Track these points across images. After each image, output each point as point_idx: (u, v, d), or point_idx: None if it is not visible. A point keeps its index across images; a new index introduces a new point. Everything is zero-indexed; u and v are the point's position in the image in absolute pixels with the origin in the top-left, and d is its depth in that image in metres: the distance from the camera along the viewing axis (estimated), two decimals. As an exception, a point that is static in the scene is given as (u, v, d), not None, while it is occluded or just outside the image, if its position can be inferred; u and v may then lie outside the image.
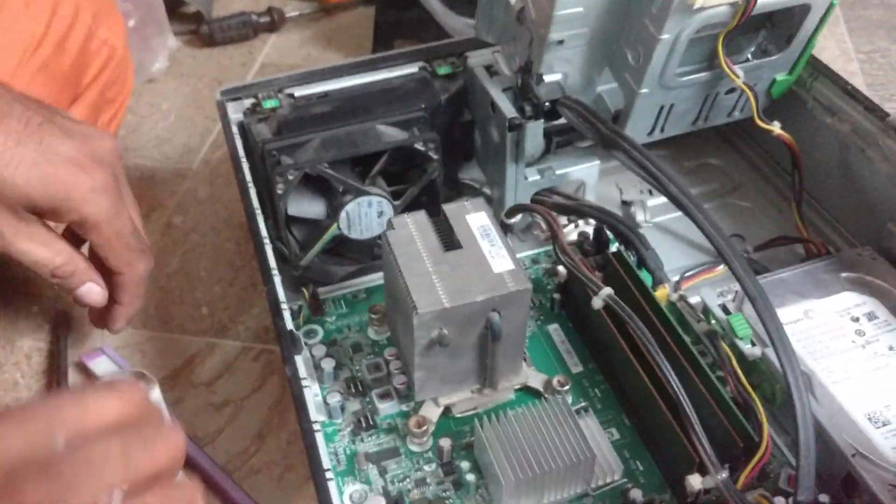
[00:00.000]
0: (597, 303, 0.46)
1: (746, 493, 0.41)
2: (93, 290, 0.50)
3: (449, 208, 0.48)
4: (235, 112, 0.58)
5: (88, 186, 0.45)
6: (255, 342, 0.58)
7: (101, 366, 0.55)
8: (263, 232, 0.48)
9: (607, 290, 0.46)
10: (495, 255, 0.46)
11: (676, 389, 0.43)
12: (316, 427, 0.39)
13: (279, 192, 0.53)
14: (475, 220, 0.48)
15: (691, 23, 0.50)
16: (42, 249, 0.47)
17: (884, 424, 0.45)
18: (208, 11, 0.93)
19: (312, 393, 0.50)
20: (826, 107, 0.59)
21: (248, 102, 0.58)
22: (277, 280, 0.46)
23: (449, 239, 0.47)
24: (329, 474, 0.38)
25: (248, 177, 0.52)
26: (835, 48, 0.89)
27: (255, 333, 0.59)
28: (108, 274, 0.50)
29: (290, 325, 0.44)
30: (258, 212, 0.49)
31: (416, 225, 0.47)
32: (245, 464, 0.51)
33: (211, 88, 0.83)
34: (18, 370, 0.56)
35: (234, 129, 0.56)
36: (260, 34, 0.94)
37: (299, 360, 0.42)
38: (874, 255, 0.54)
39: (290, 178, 0.52)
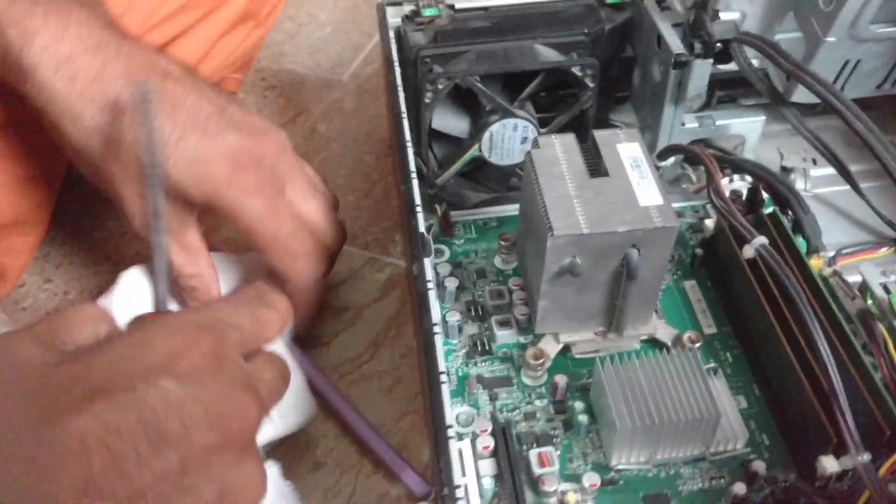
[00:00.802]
0: (748, 251, 0.43)
1: (889, 484, 0.38)
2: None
3: (600, 134, 0.46)
4: (394, 17, 0.57)
5: (240, 187, 0.44)
6: (382, 254, 0.57)
7: None
8: (407, 135, 0.47)
9: (762, 239, 0.42)
10: (644, 187, 0.43)
11: (827, 359, 0.39)
12: (436, 329, 0.38)
13: (427, 100, 0.51)
14: (627, 149, 0.45)
15: (901, -37, 0.45)
16: (182, 258, 0.46)
17: None
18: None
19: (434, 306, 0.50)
20: None
21: (407, 9, 0.56)
22: (415, 182, 0.45)
23: (596, 165, 0.44)
24: (444, 377, 0.36)
25: (399, 81, 0.51)
26: None
27: (384, 246, 0.58)
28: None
29: (422, 226, 0.43)
30: (405, 116, 0.48)
31: (563, 147, 0.45)
32: (357, 369, 0.51)
33: (369, 5, 0.83)
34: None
35: (391, 35, 0.55)
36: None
37: (427, 262, 0.41)
38: None
39: (440, 87, 0.51)
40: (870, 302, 0.46)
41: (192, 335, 0.33)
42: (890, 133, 0.63)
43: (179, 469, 0.29)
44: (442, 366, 0.37)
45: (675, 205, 0.57)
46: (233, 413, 0.32)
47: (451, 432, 0.35)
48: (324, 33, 0.80)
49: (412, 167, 0.45)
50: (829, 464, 0.39)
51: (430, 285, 0.40)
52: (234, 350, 0.34)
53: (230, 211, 0.44)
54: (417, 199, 0.44)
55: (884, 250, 0.53)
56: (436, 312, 0.39)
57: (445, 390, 0.36)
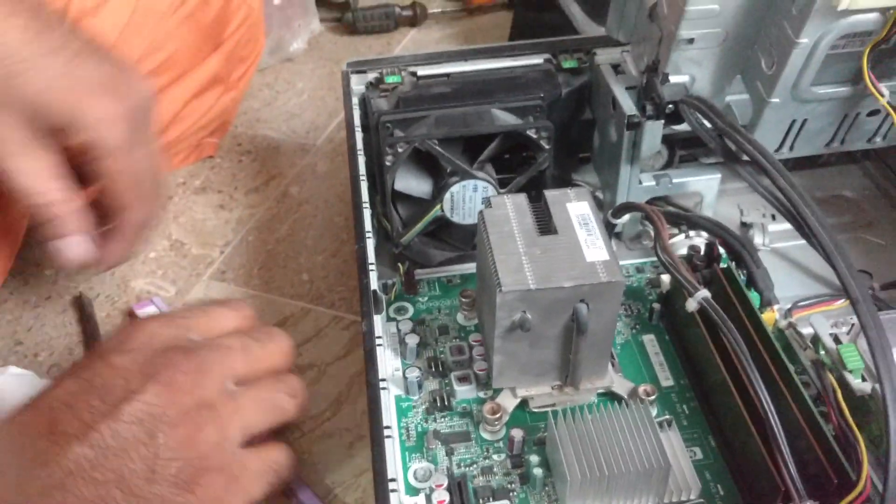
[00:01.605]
0: (691, 304, 0.44)
1: (832, 532, 0.38)
2: (79, 245, 0.47)
3: (550, 194, 0.47)
4: (358, 84, 0.59)
5: (107, 111, 0.44)
6: (348, 313, 0.58)
7: (150, 313, 0.57)
8: (364, 196, 0.49)
9: (704, 293, 0.44)
10: (591, 244, 0.44)
11: (766, 407, 0.40)
12: (382, 385, 0.39)
13: (388, 163, 0.53)
14: (576, 208, 0.46)
15: (834, 28, 0.47)
16: (38, 177, 0.44)
17: None
18: (355, 0, 0.95)
19: (393, 367, 0.50)
20: (981, 140, 0.54)
21: (371, 76, 0.59)
22: (369, 242, 0.46)
23: (545, 223, 0.46)
24: (388, 431, 0.37)
25: (360, 145, 0.53)
26: None
27: (350, 305, 0.59)
28: (107, 217, 0.48)
29: (374, 284, 0.44)
30: (363, 178, 0.50)
31: (514, 206, 0.47)
32: (319, 426, 0.51)
33: (345, 73, 0.86)
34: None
35: (355, 101, 0.57)
36: (401, 27, 0.96)
37: (377, 319, 0.42)
38: None
39: (400, 150, 0.53)
40: (822, 353, 0.47)
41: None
42: (845, 188, 0.66)
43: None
44: (386, 420, 0.38)
45: (635, 261, 0.59)
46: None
47: (392, 486, 0.35)
48: (300, 100, 0.82)
49: (367, 227, 0.47)
50: (778, 513, 0.39)
51: (378, 341, 0.41)
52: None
53: (90, 133, 0.44)
54: (371, 258, 0.45)
55: (839, 303, 0.54)
56: (383, 368, 0.40)
57: (389, 445, 0.37)
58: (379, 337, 0.41)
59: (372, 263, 0.45)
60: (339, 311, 0.58)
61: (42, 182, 0.44)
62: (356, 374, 0.54)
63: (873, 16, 0.47)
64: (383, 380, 0.39)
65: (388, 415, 0.39)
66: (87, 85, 0.43)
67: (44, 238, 0.46)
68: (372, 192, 0.56)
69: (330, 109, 0.80)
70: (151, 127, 0.48)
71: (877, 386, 0.43)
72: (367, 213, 0.48)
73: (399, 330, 0.52)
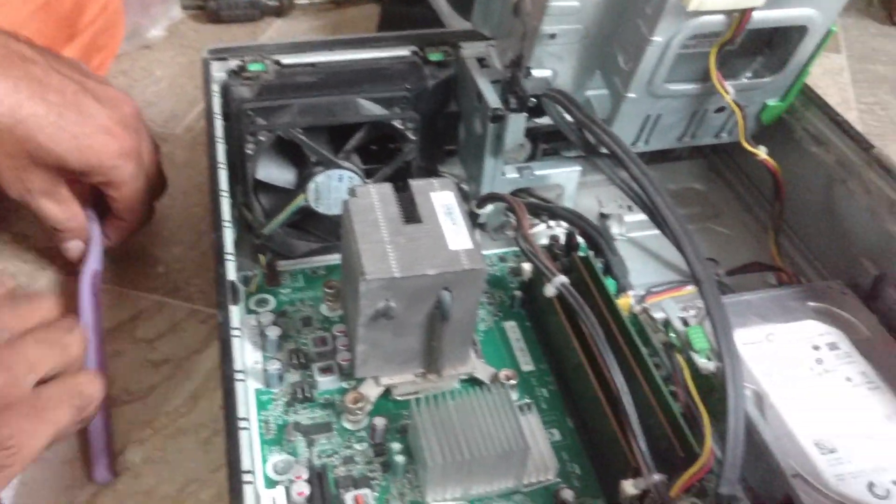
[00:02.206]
0: (549, 290, 0.45)
1: (678, 501, 0.40)
2: (77, 248, 0.55)
3: (415, 183, 0.47)
4: (219, 72, 0.57)
5: (117, 153, 0.51)
6: (206, 306, 0.57)
7: None
8: (223, 185, 0.47)
9: (562, 279, 0.45)
10: (455, 233, 0.44)
11: (618, 386, 0.41)
12: (239, 377, 0.38)
13: (249, 152, 0.52)
14: (440, 197, 0.47)
15: (684, 28, 0.49)
16: (60, 212, 0.53)
17: (830, 452, 0.43)
18: (218, -13, 0.92)
19: (253, 360, 0.49)
20: (814, 136, 0.58)
21: (233, 64, 0.57)
22: (228, 231, 0.45)
23: (410, 212, 0.46)
24: (244, 423, 0.36)
25: (220, 132, 0.51)
26: (836, 96, 0.88)
27: (208, 297, 0.57)
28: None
29: (231, 274, 0.43)
30: (222, 165, 0.48)
31: (379, 195, 0.46)
32: (174, 422, 0.49)
33: (207, 61, 0.83)
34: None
35: (215, 88, 0.55)
36: (266, 17, 0.94)
37: (234, 310, 0.41)
38: (844, 289, 0.53)
39: (262, 139, 0.52)
40: (672, 336, 0.50)
41: None
42: (695, 181, 0.69)
43: None
44: (242, 412, 0.37)
45: (498, 250, 0.60)
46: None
47: (247, 478, 0.34)
48: (158, 88, 0.79)
49: (225, 216, 0.45)
50: (629, 487, 0.41)
51: (235, 332, 0.40)
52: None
53: (105, 175, 0.52)
54: (229, 248, 0.44)
55: (688, 288, 0.57)
56: (240, 359, 0.39)
57: (245, 437, 0.36)
58: (236, 328, 0.40)
59: (230, 253, 0.44)
60: (197, 304, 0.57)
61: (62, 215, 0.53)
62: (214, 369, 0.52)
63: (720, 17, 0.50)
64: (240, 371, 0.38)
65: (245, 407, 0.38)
66: (97, 139, 0.50)
67: (57, 243, 0.56)
68: (233, 183, 0.54)
69: (190, 98, 0.77)
70: (144, 132, 0.56)
71: (720, 364, 0.46)
72: (225, 202, 0.46)
73: (259, 322, 0.51)
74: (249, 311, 0.52)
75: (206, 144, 0.56)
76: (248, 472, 0.35)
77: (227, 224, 0.45)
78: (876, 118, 0.85)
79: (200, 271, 0.59)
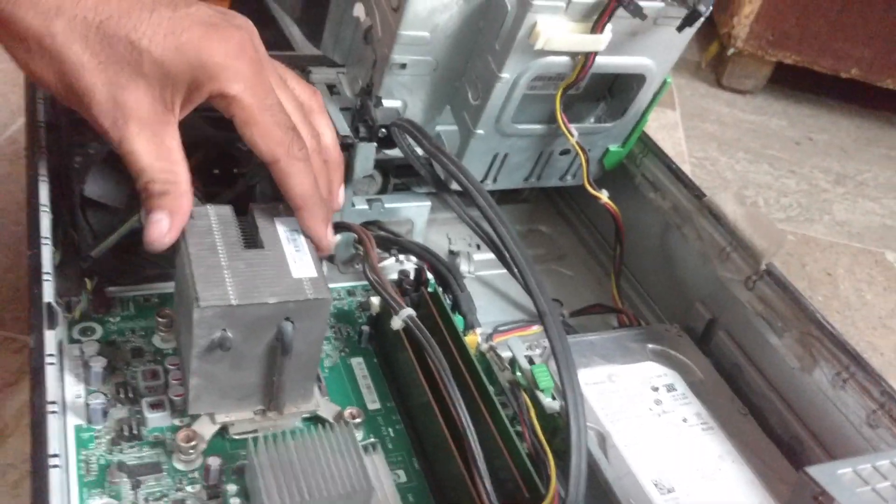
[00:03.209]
0: (396, 322, 0.44)
1: (523, 543, 0.39)
2: (161, 224, 0.42)
3: (258, 207, 0.45)
4: (47, 79, 0.52)
5: (224, 51, 0.41)
6: (22, 334, 0.51)
7: None
8: (43, 199, 0.43)
9: (409, 311, 0.44)
10: (298, 260, 0.42)
11: (466, 427, 0.40)
12: (52, 409, 0.34)
13: (76, 165, 0.48)
14: (285, 223, 0.45)
15: (532, 66, 0.50)
16: (151, 153, 0.41)
17: (668, 491, 0.44)
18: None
19: (74, 393, 0.45)
20: (651, 182, 0.60)
21: (63, 72, 0.53)
22: (46, 249, 0.41)
23: (252, 237, 0.43)
24: (55, 461, 0.32)
25: (44, 142, 0.47)
26: (671, 149, 0.93)
27: (24, 325, 0.52)
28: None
29: (49, 296, 0.39)
30: (43, 178, 0.44)
31: (217, 218, 0.44)
32: (-24, 464, 0.44)
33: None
34: None
35: (41, 96, 0.51)
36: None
37: (49, 335, 0.37)
38: (680, 332, 0.55)
39: (92, 151, 0.48)
40: (518, 374, 0.49)
41: None
42: (541, 223, 0.71)
43: None
44: (53, 448, 0.33)
45: (346, 284, 0.58)
46: None
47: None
48: (-21, 95, 0.72)
49: (44, 232, 0.41)
50: (474, 530, 0.40)
51: (50, 360, 0.36)
52: None
53: (215, 80, 0.41)
54: (47, 267, 0.40)
55: (534, 328, 0.57)
56: (53, 390, 0.35)
57: (56, 476, 0.32)
58: (51, 355, 0.36)
59: (48, 273, 0.40)
60: (11, 331, 0.51)
61: (155, 163, 0.41)
62: (28, 404, 0.47)
63: (565, 59, 0.51)
64: (52, 402, 0.34)
65: (59, 442, 0.34)
66: (196, 33, 0.41)
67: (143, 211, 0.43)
68: (59, 200, 0.50)
69: (13, 108, 0.71)
70: (266, 56, 0.45)
71: (563, 403, 0.46)
72: (45, 217, 0.42)
73: (83, 352, 0.47)
74: (73, 341, 0.48)
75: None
76: (58, 519, 0.31)
77: (45, 241, 0.41)
78: (706, 172, 0.90)
79: (18, 296, 0.54)
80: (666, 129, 0.97)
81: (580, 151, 0.57)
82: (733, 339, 0.54)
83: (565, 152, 0.59)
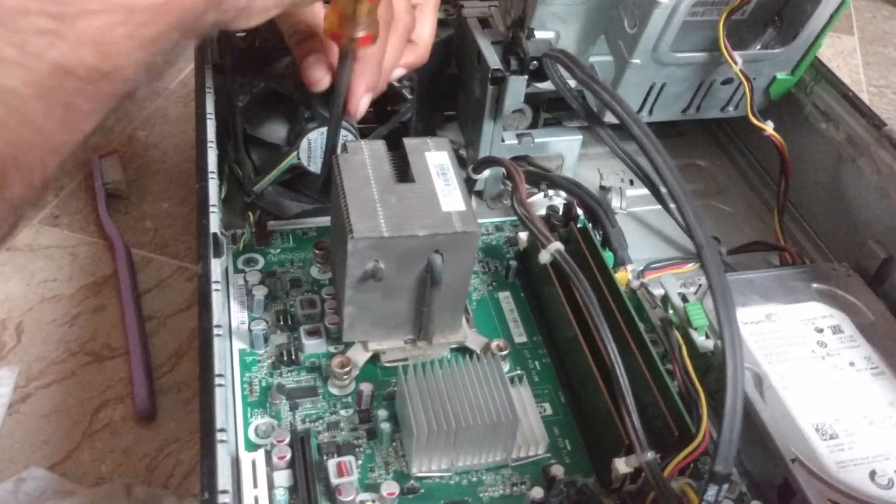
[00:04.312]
0: (544, 256, 0.43)
1: (672, 481, 0.38)
2: (320, 67, 0.45)
3: (410, 142, 0.46)
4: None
5: None
6: (194, 263, 0.55)
7: None
8: (210, 136, 0.46)
9: (557, 245, 0.43)
10: (448, 194, 0.43)
11: (615, 362, 0.40)
12: (217, 332, 0.36)
13: (239, 103, 0.50)
14: (434, 157, 0.45)
15: (694, -11, 0.48)
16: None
17: (831, 438, 0.42)
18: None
19: (239, 319, 0.48)
20: (823, 112, 0.56)
21: (226, 14, 0.55)
22: (213, 183, 0.43)
23: (403, 171, 0.44)
24: (220, 380, 0.35)
25: (210, 83, 0.49)
26: (846, 77, 0.86)
27: (196, 255, 0.55)
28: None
29: (215, 227, 0.41)
30: (210, 117, 0.47)
31: (371, 153, 0.45)
32: (156, 381, 0.48)
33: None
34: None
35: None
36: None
37: (216, 263, 0.39)
38: (850, 271, 0.51)
39: (254, 90, 0.50)
40: (671, 312, 0.48)
41: None
42: (699, 157, 0.67)
43: None
44: (219, 368, 0.35)
45: (495, 219, 0.58)
46: None
47: (221, 436, 0.33)
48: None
49: (211, 167, 0.44)
50: (621, 465, 0.40)
51: (215, 286, 0.38)
52: None
53: None
54: (213, 200, 0.42)
55: (689, 266, 0.55)
56: (219, 314, 0.38)
57: (220, 394, 0.34)
58: (216, 282, 0.38)
59: (214, 205, 0.42)
60: (185, 261, 0.55)
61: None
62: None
63: (732, -20, 0.48)
64: (218, 326, 0.37)
65: (223, 363, 0.36)
66: None
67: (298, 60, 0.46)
68: (225, 138, 0.52)
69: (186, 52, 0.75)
70: None
71: (719, 342, 0.44)
72: (211, 153, 0.45)
73: (247, 281, 0.49)
74: (237, 271, 0.51)
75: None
76: (222, 430, 0.33)
77: (212, 175, 0.43)
78: (887, 101, 0.83)
79: (189, 227, 0.57)
80: (841, 55, 0.90)
81: (744, 80, 0.53)
82: (912, 280, 0.50)
83: (727, 82, 0.56)
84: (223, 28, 0.34)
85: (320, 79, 0.46)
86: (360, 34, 0.42)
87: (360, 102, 0.46)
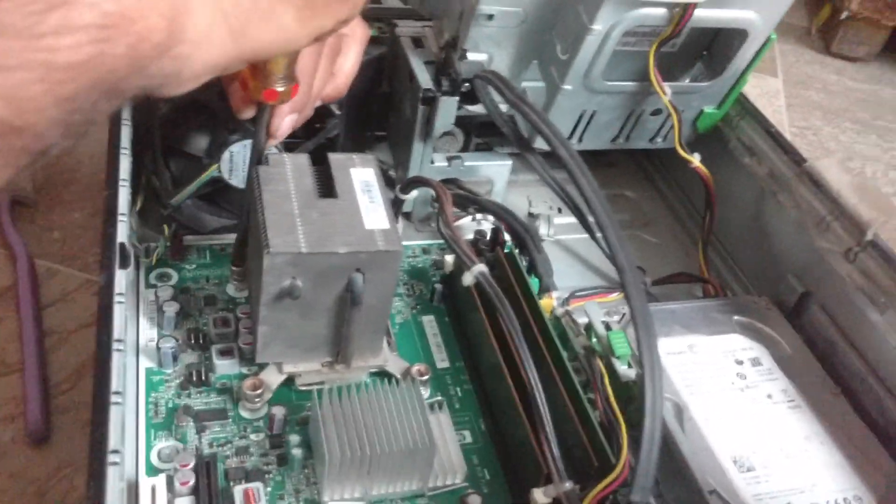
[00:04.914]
0: (468, 278, 0.42)
1: (590, 513, 0.38)
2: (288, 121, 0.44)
3: (334, 157, 0.44)
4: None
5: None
6: (102, 277, 0.52)
7: None
8: (124, 142, 0.43)
9: (481, 267, 0.42)
10: (372, 211, 0.41)
11: (536, 389, 0.39)
12: (118, 346, 0.34)
13: (159, 111, 0.48)
14: (360, 174, 0.44)
15: (625, 18, 0.48)
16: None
17: (748, 470, 0.42)
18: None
19: (147, 337, 0.45)
20: (748, 147, 0.57)
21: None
22: (124, 191, 0.41)
23: (326, 186, 0.43)
24: (117, 398, 0.32)
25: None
26: (770, 118, 0.88)
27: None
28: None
29: (122, 236, 0.39)
30: (126, 122, 0.44)
31: (293, 166, 0.43)
32: (53, 399, 0.45)
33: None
34: None
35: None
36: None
37: (120, 274, 0.37)
38: (769, 304, 0.52)
39: (175, 99, 0.47)
40: (594, 340, 0.48)
41: None
42: (627, 188, 0.68)
43: None
44: (116, 385, 0.33)
45: (422, 242, 0.57)
46: None
47: (113, 458, 0.30)
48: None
49: (123, 175, 0.41)
50: (539, 496, 0.39)
51: (118, 299, 0.36)
52: None
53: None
54: (122, 208, 0.40)
55: (614, 295, 0.55)
56: (120, 328, 0.35)
57: (116, 413, 0.32)
58: (120, 294, 0.36)
59: (123, 214, 0.40)
60: (93, 274, 0.52)
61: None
62: (105, 344, 0.48)
63: (661, 11, 0.48)
64: (119, 340, 0.34)
65: (121, 380, 0.34)
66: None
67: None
68: (142, 146, 0.50)
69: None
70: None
71: (640, 371, 0.44)
72: (124, 160, 0.42)
73: (158, 297, 0.47)
74: (149, 286, 0.49)
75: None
76: (115, 451, 0.31)
77: (123, 183, 0.41)
78: (808, 142, 0.85)
79: (99, 239, 0.54)
80: (766, 96, 0.92)
81: (673, 111, 0.54)
82: (828, 315, 0.50)
83: (657, 112, 0.56)
84: (153, 93, 0.33)
85: (244, 109, 0.44)
86: (281, 88, 0.40)
87: (284, 122, 0.44)
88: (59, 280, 0.51)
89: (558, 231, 0.62)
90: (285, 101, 0.41)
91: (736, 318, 0.50)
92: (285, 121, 0.44)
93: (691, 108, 0.57)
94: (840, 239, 0.49)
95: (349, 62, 0.48)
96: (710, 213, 0.57)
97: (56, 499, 0.41)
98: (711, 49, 0.56)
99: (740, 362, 0.48)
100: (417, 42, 0.57)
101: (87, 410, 0.45)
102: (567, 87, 0.52)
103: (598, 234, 0.55)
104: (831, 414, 0.45)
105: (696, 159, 0.55)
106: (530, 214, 0.63)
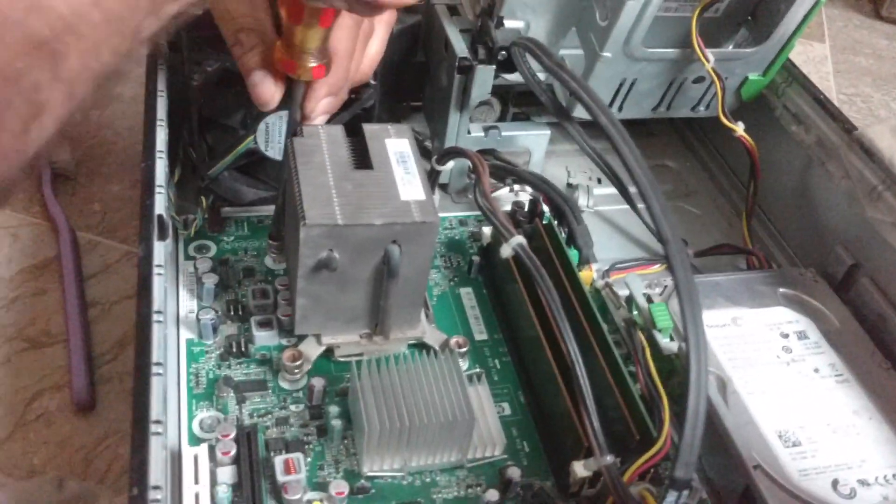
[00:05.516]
0: (506, 250, 0.42)
1: (631, 486, 0.37)
2: (264, 80, 0.42)
3: (369, 128, 0.44)
4: None
5: None
6: (143, 249, 0.53)
7: None
8: (160, 114, 0.43)
9: (519, 239, 0.42)
10: (407, 182, 0.41)
11: (576, 362, 0.38)
12: (158, 318, 0.34)
13: (193, 82, 0.48)
14: (395, 144, 0.43)
15: (667, -18, 0.46)
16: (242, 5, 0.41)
17: (794, 445, 0.41)
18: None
19: (187, 308, 0.46)
20: (794, 114, 0.55)
21: (184, -10, 0.53)
22: (161, 163, 0.41)
23: (361, 158, 0.42)
24: (158, 369, 0.32)
25: (164, 59, 0.47)
26: (817, 85, 0.86)
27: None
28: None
29: (160, 208, 0.39)
30: (161, 93, 0.44)
31: (328, 137, 0.43)
32: (97, 370, 0.46)
33: None
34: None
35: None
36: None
37: (159, 246, 0.37)
38: (816, 277, 0.51)
39: (209, 69, 0.47)
40: (635, 313, 0.47)
41: None
42: (668, 158, 0.66)
43: None
44: (157, 356, 0.33)
45: (459, 214, 0.56)
46: None
47: (156, 428, 0.31)
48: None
49: (160, 146, 0.41)
50: (580, 469, 0.38)
51: (157, 270, 0.36)
52: None
53: None
54: (160, 180, 0.40)
55: (655, 267, 0.54)
56: (160, 299, 0.36)
57: (157, 384, 0.32)
58: (159, 265, 0.36)
59: (161, 185, 0.40)
60: (133, 246, 0.53)
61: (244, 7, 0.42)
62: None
63: (706, -26, 0.47)
64: (159, 312, 0.35)
65: (162, 351, 0.34)
66: None
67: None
68: (178, 118, 0.50)
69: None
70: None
71: (683, 344, 0.43)
72: (161, 132, 0.42)
73: (197, 269, 0.47)
74: (188, 258, 0.49)
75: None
76: (158, 422, 0.31)
77: (160, 154, 0.41)
78: (856, 109, 0.83)
79: (139, 211, 0.55)
80: (812, 62, 0.89)
81: (716, 79, 0.53)
82: (878, 287, 0.49)
83: (699, 80, 0.55)
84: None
85: (268, 99, 0.43)
86: (312, 64, 0.40)
87: (319, 104, 0.44)
88: (100, 251, 0.52)
89: (598, 202, 0.61)
90: (304, 79, 0.41)
91: (781, 290, 0.49)
92: (321, 103, 0.43)
93: (735, 75, 0.55)
94: (892, 209, 0.47)
95: (375, 46, 0.47)
96: (753, 183, 0.56)
97: (102, 467, 0.42)
98: (756, 13, 0.54)
99: (786, 336, 0.47)
100: (453, 10, 0.56)
101: (131, 380, 0.45)
102: (607, 54, 0.50)
103: (640, 205, 0.55)
104: (881, 389, 0.44)
105: (739, 128, 0.54)
106: (569, 185, 0.62)
